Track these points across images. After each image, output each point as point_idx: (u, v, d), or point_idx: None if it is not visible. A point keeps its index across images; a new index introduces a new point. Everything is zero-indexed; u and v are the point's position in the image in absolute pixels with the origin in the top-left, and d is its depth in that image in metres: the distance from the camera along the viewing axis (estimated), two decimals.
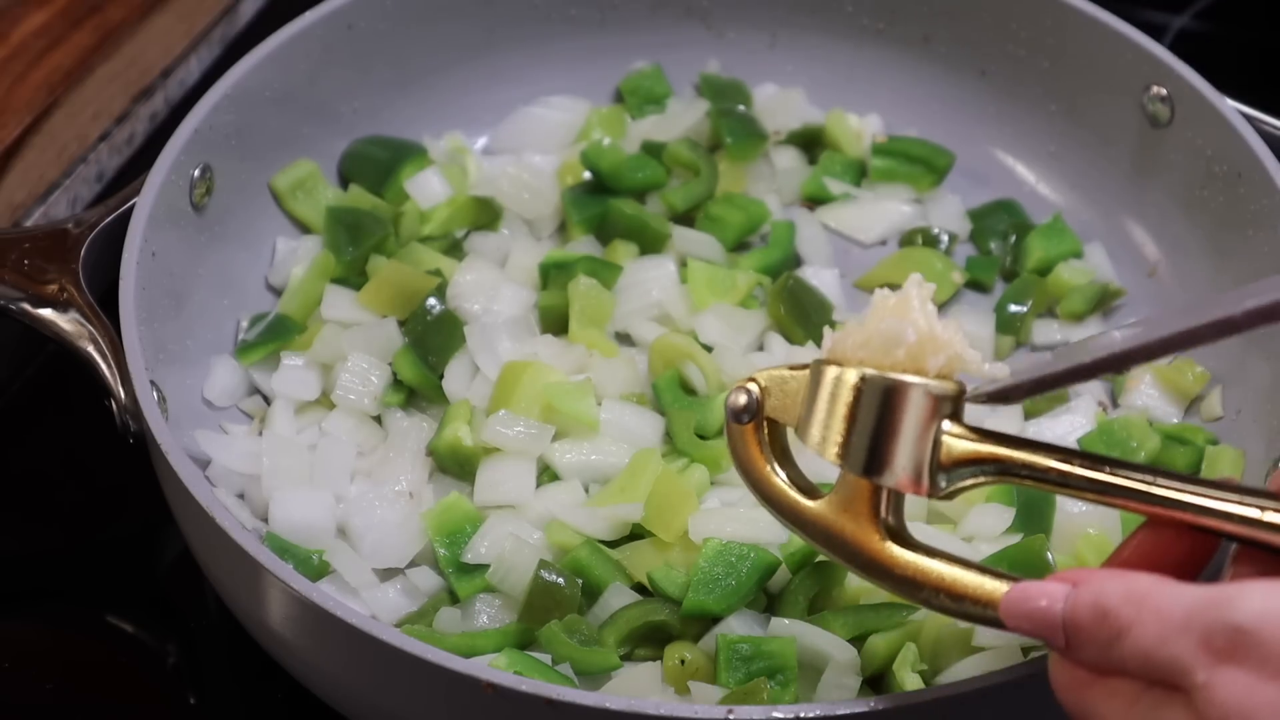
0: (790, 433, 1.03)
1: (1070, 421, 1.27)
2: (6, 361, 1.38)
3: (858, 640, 1.12)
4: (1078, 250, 1.38)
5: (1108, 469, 0.90)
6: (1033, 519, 1.18)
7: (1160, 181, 1.36)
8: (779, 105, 1.46)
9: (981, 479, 0.94)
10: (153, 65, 1.53)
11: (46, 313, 1.19)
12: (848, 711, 0.97)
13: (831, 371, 0.97)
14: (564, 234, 1.39)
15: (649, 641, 1.14)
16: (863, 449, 0.95)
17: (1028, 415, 1.28)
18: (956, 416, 0.94)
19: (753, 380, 1.01)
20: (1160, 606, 0.82)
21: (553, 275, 1.32)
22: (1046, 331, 1.35)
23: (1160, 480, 0.89)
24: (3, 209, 1.40)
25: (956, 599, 0.93)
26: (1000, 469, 0.93)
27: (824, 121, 1.45)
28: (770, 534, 1.16)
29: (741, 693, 1.08)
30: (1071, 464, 0.91)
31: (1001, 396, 0.97)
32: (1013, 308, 1.34)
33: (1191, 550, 0.90)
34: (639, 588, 1.16)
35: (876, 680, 1.12)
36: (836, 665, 1.10)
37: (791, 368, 1.01)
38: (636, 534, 1.18)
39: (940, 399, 0.94)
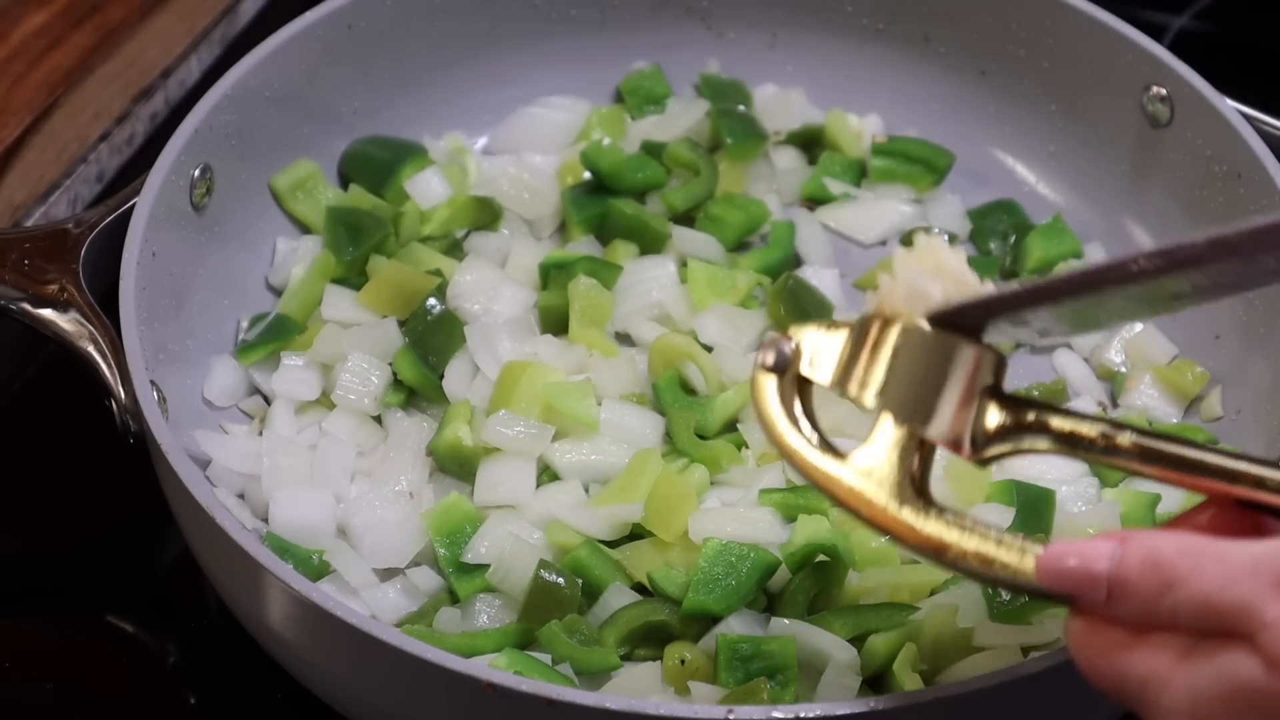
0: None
1: None
2: (6, 361, 1.38)
3: (858, 640, 1.12)
4: (1078, 250, 1.38)
5: (1154, 437, 0.89)
6: (1032, 519, 1.18)
7: (1160, 181, 1.36)
8: (779, 105, 1.46)
9: (1022, 445, 0.93)
10: (153, 65, 1.53)
11: (46, 313, 1.19)
12: (848, 711, 0.97)
13: (876, 324, 0.95)
14: (564, 234, 1.39)
15: (649, 641, 1.14)
16: (906, 394, 0.93)
17: None
18: (999, 381, 0.93)
19: (786, 336, 0.98)
20: (1223, 555, 0.81)
21: (553, 275, 1.32)
22: None
23: (1210, 453, 0.87)
24: (3, 209, 1.40)
25: (985, 561, 0.90)
26: (1042, 435, 0.92)
27: (824, 121, 1.45)
28: (770, 534, 1.17)
29: (741, 693, 1.08)
30: (1118, 432, 0.89)
31: (965, 314, 0.95)
32: None
33: (1243, 529, 0.87)
34: (639, 588, 1.16)
35: (876, 680, 1.12)
36: (836, 665, 1.10)
37: (829, 325, 0.98)
38: (636, 534, 1.18)
39: (985, 357, 0.93)
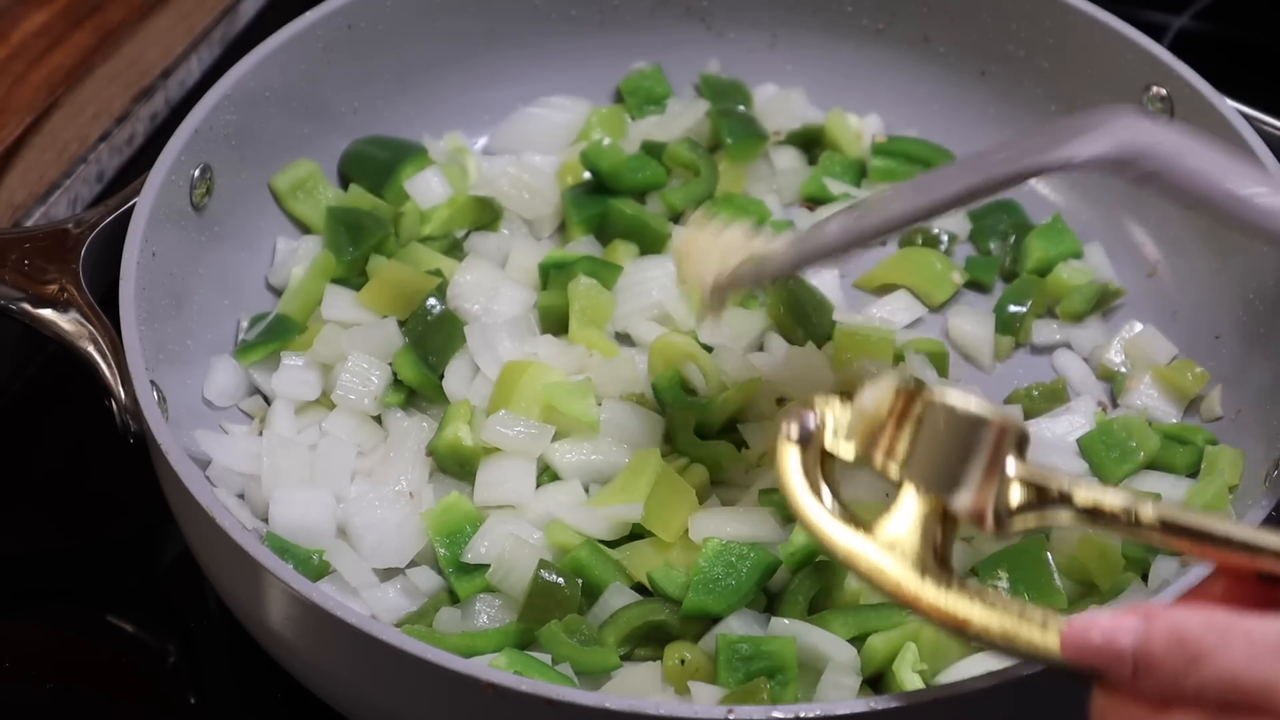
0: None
1: (1070, 421, 1.27)
2: (6, 361, 1.38)
3: (858, 640, 1.12)
4: (1078, 250, 1.38)
5: (1178, 510, 0.88)
6: None
7: None
8: (779, 105, 1.46)
9: (1045, 519, 0.92)
10: (153, 65, 1.53)
11: (47, 313, 1.19)
12: (848, 711, 0.97)
13: (900, 397, 0.95)
14: (564, 234, 1.39)
15: (649, 641, 1.14)
16: (931, 467, 0.93)
17: (1026, 415, 1.28)
18: (1023, 455, 0.93)
19: (809, 407, 0.98)
20: (1249, 632, 0.81)
21: (553, 275, 1.32)
22: (1046, 331, 1.35)
23: (1234, 526, 0.86)
24: (3, 209, 1.40)
25: (1008, 636, 0.90)
26: (1066, 508, 0.91)
27: (824, 121, 1.45)
28: (770, 534, 1.17)
29: (741, 693, 1.08)
30: (1142, 505, 0.88)
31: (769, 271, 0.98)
32: (1012, 308, 1.34)
33: (1260, 602, 0.86)
34: (639, 588, 1.16)
35: (876, 680, 1.12)
36: (836, 665, 1.10)
37: (851, 396, 0.98)
38: (636, 534, 1.18)
39: (1009, 433, 0.92)
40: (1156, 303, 1.36)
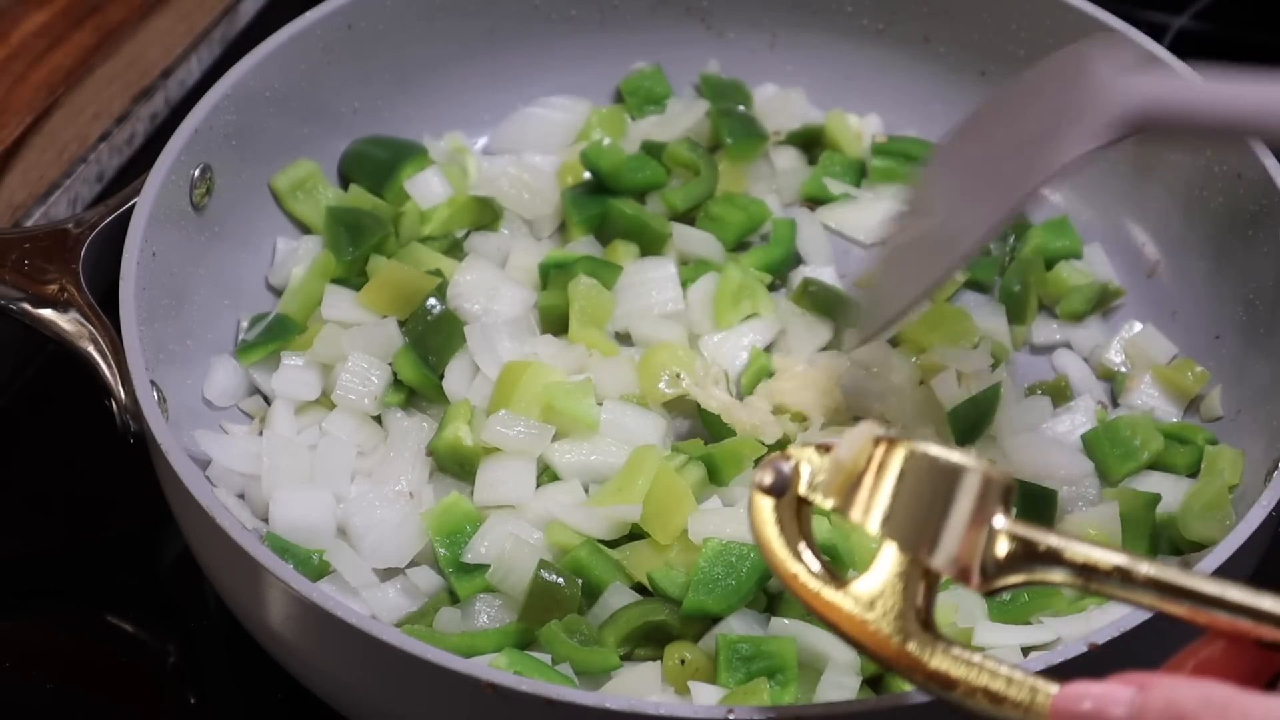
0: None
1: (1070, 420, 1.27)
2: (7, 361, 1.38)
3: None
4: (1077, 250, 1.38)
5: (1175, 571, 0.84)
6: (1033, 520, 1.18)
7: (1160, 181, 1.36)
8: (779, 105, 1.46)
9: (1034, 576, 0.88)
10: (153, 65, 1.53)
11: (47, 313, 1.19)
12: (848, 711, 0.97)
13: (880, 447, 0.91)
14: (564, 234, 1.39)
15: (649, 641, 1.14)
16: (911, 522, 0.89)
17: None
18: (1008, 507, 0.89)
19: (785, 456, 0.94)
20: (1248, 710, 0.77)
21: (553, 275, 1.32)
22: (1046, 331, 1.35)
23: (1233, 588, 0.82)
24: (3, 209, 1.40)
25: (995, 699, 0.86)
26: (1056, 565, 0.87)
27: (824, 121, 1.45)
28: None
29: (741, 693, 1.08)
30: (1136, 565, 0.85)
31: None
32: (1016, 288, 1.34)
33: (1260, 668, 0.83)
34: (639, 588, 1.16)
35: (876, 680, 1.12)
36: (836, 665, 1.10)
37: (827, 446, 0.93)
38: (636, 534, 1.18)
39: (993, 484, 0.88)
40: (1156, 303, 1.36)
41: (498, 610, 1.15)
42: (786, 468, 0.94)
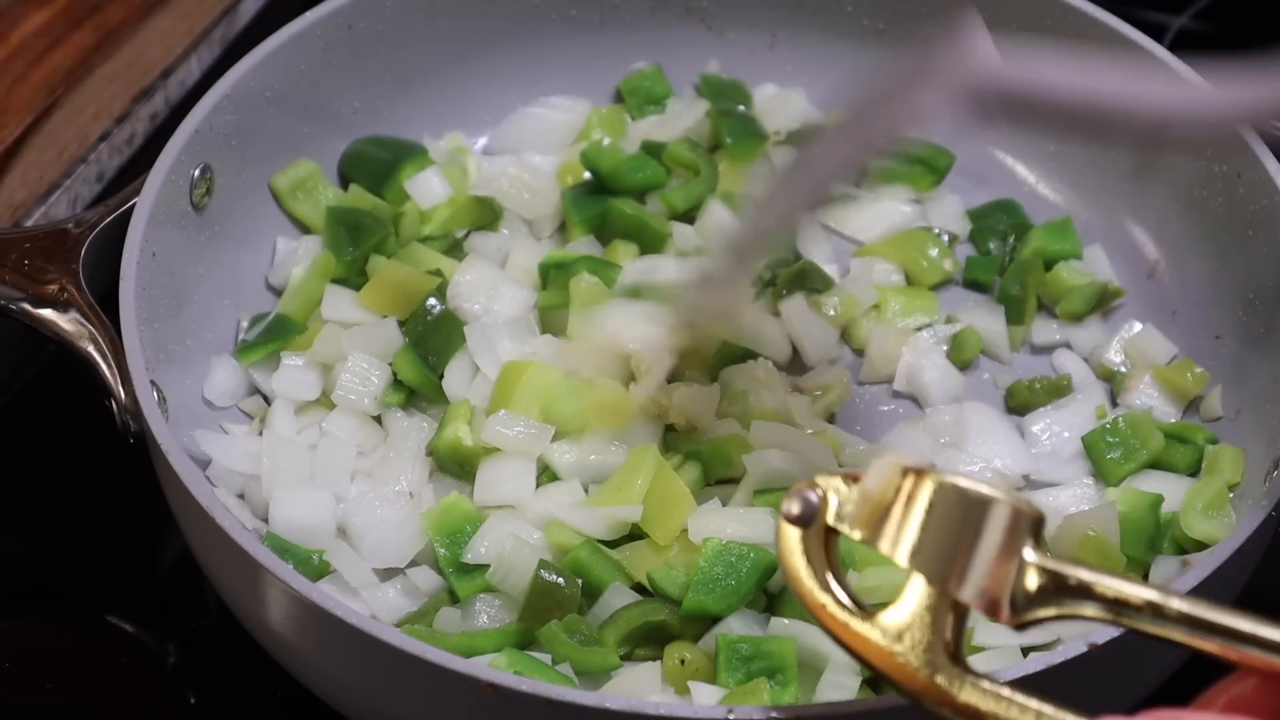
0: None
1: (1071, 420, 1.27)
2: (7, 361, 1.38)
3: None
4: (1077, 251, 1.38)
5: (1206, 606, 0.83)
6: None
7: (1160, 181, 1.36)
8: (779, 105, 1.46)
9: (1065, 610, 0.87)
10: (153, 65, 1.53)
11: (47, 313, 1.19)
12: (848, 711, 0.97)
13: (909, 478, 0.90)
14: (564, 234, 1.39)
15: (649, 641, 1.14)
16: (939, 554, 0.88)
17: (1023, 409, 1.28)
18: (1039, 540, 0.88)
19: (814, 485, 0.93)
20: None
21: (553, 275, 1.32)
22: (1046, 331, 1.35)
23: (1266, 625, 0.82)
24: (3, 209, 1.40)
25: None
26: (1087, 600, 0.86)
27: (824, 121, 1.45)
28: (769, 534, 1.16)
29: (741, 693, 1.08)
30: (1168, 600, 0.84)
31: None
32: (1015, 290, 1.34)
33: None
34: (639, 588, 1.16)
35: (876, 680, 1.12)
36: (836, 665, 1.10)
37: (855, 476, 0.92)
38: (636, 534, 1.18)
39: (1023, 517, 0.87)
40: (1156, 303, 1.36)
41: (498, 610, 1.15)
42: (814, 497, 0.93)
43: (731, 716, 0.97)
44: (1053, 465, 1.25)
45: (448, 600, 1.17)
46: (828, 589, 0.92)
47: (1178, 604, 0.84)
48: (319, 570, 1.17)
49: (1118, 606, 0.85)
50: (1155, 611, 0.84)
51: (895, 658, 0.89)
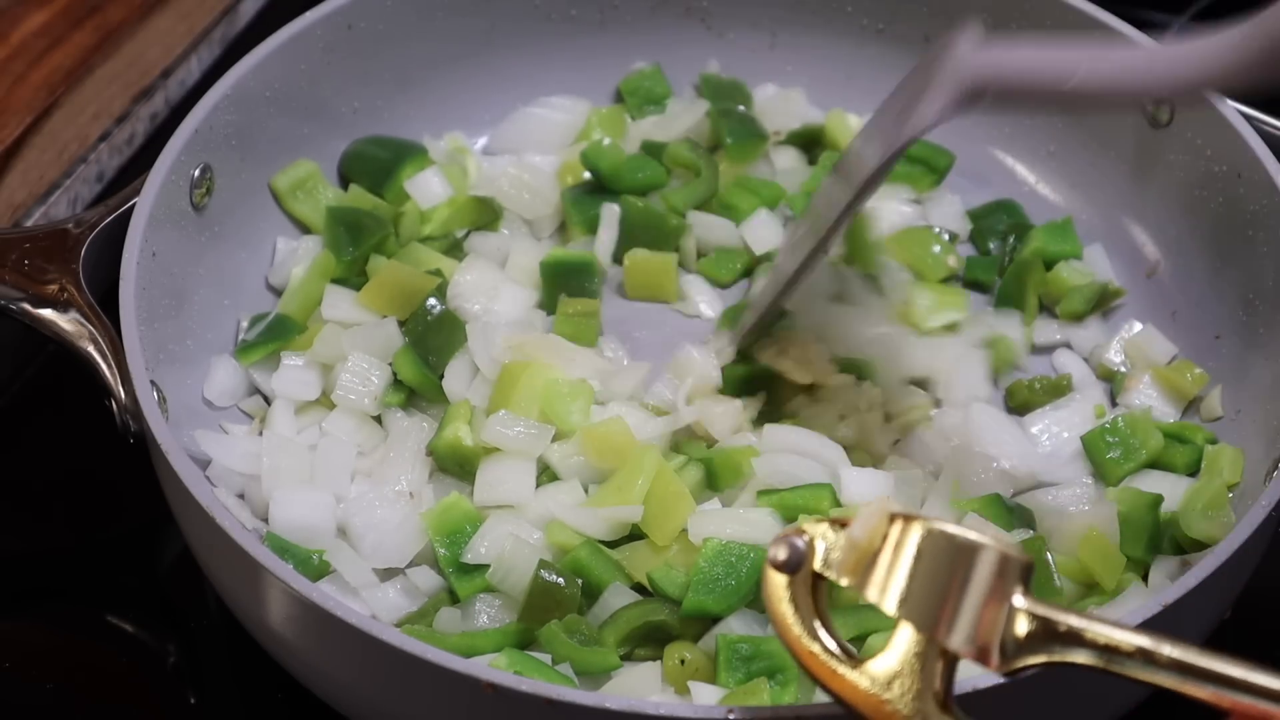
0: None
1: (1071, 419, 1.27)
2: (7, 361, 1.38)
3: (858, 640, 1.12)
4: (1077, 252, 1.38)
5: (1198, 652, 0.83)
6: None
7: (1160, 181, 1.36)
8: (779, 105, 1.46)
9: (1055, 657, 0.86)
10: (153, 65, 1.53)
11: (47, 313, 1.19)
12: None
13: (897, 524, 0.89)
14: (564, 234, 1.39)
15: (649, 641, 1.14)
16: (928, 602, 0.88)
17: (1023, 409, 1.28)
18: (1027, 588, 0.87)
19: (800, 531, 0.92)
20: None
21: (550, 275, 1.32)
22: (1046, 331, 1.35)
23: (1258, 672, 0.82)
24: (3, 209, 1.40)
25: None
26: (1078, 646, 0.86)
27: (824, 121, 1.46)
28: (769, 534, 1.16)
29: (741, 693, 1.08)
30: (1159, 646, 0.84)
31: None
32: (1014, 289, 1.35)
33: None
34: (639, 588, 1.16)
35: None
36: None
37: (843, 522, 0.91)
38: (636, 534, 1.18)
39: (1011, 563, 0.87)
40: (1156, 303, 1.36)
41: (498, 610, 1.15)
42: (801, 543, 0.92)
43: (731, 716, 0.97)
44: (1052, 465, 1.25)
45: (448, 600, 1.17)
46: (815, 636, 0.91)
47: (1169, 650, 0.83)
48: (319, 570, 1.17)
49: (1108, 653, 0.85)
50: (1146, 658, 0.84)
51: (884, 705, 0.89)
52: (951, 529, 0.88)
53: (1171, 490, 1.22)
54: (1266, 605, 1.23)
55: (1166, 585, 1.09)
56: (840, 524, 0.91)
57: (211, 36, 1.58)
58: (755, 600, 1.14)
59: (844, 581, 0.90)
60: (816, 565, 0.91)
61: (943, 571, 0.87)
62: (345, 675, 1.08)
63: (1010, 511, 1.19)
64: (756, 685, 1.08)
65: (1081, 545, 1.17)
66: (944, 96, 1.06)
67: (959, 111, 1.06)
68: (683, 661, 1.12)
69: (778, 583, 0.92)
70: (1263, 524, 1.07)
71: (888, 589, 0.89)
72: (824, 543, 0.91)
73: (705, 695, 1.09)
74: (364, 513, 1.18)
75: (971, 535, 0.87)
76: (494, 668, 1.00)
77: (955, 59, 1.07)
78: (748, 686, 1.08)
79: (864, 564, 0.90)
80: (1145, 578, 1.18)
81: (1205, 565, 1.04)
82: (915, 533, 0.89)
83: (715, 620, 1.13)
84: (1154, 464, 1.24)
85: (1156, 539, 1.19)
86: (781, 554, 0.91)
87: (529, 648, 1.12)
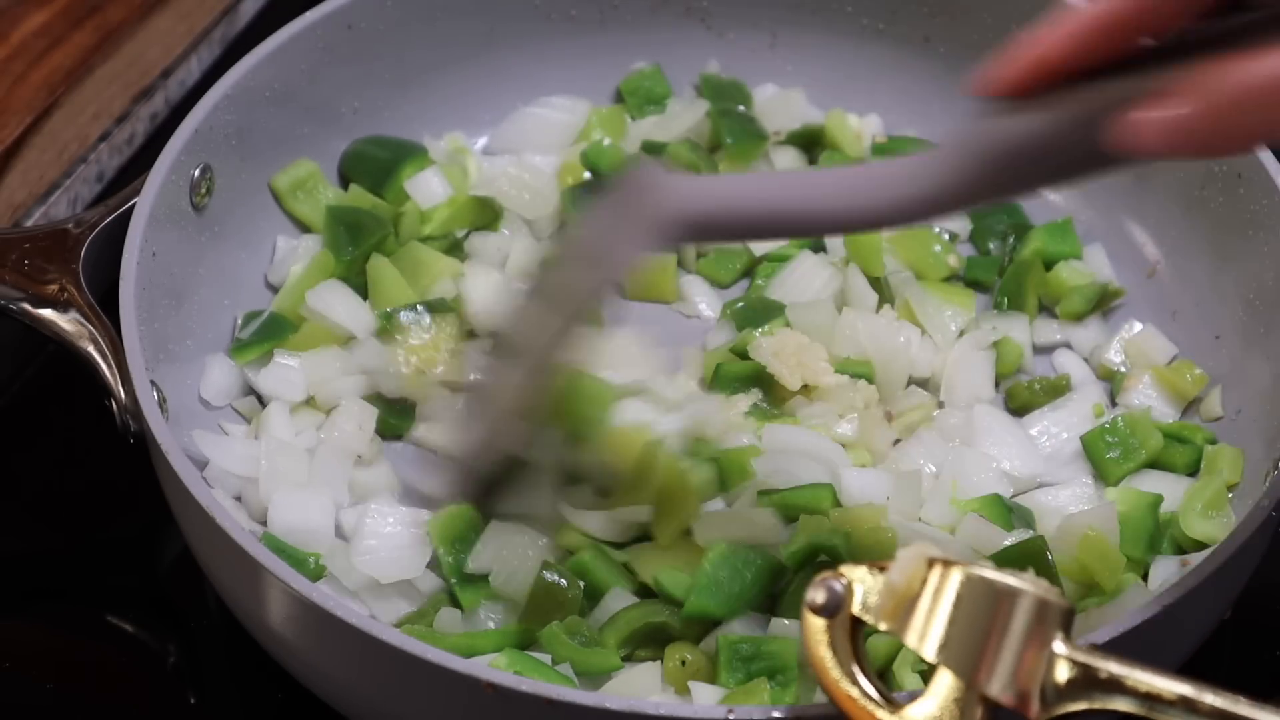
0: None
1: (1070, 419, 1.27)
2: (7, 361, 1.38)
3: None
4: (1077, 252, 1.38)
5: (1240, 700, 0.83)
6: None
7: (1160, 181, 1.36)
8: (779, 105, 1.46)
9: (1095, 704, 0.85)
10: (153, 65, 1.53)
11: (46, 313, 1.19)
12: None
13: (936, 569, 0.89)
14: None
15: (650, 642, 1.14)
16: (967, 648, 0.88)
17: (1023, 410, 1.28)
18: (1068, 633, 0.87)
19: (839, 574, 0.91)
20: None
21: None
22: (1046, 331, 1.35)
23: None
24: (3, 209, 1.40)
25: None
26: (1118, 694, 0.85)
27: (824, 121, 1.45)
28: (771, 534, 1.16)
29: (742, 693, 1.08)
30: (1201, 694, 0.83)
31: None
32: (1015, 287, 1.35)
33: None
34: (640, 590, 1.16)
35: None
36: None
37: (881, 566, 0.91)
38: (644, 535, 1.18)
39: (1051, 608, 0.87)
40: (1156, 303, 1.36)
41: (499, 611, 1.15)
42: (839, 586, 0.91)
43: (731, 716, 0.97)
44: (1052, 465, 1.25)
45: (447, 600, 1.16)
46: (854, 681, 0.91)
47: (1211, 699, 0.83)
48: (315, 574, 1.16)
49: (1150, 700, 0.85)
50: (1188, 706, 0.84)
51: None
52: (991, 574, 0.88)
53: (1171, 490, 1.22)
54: (1266, 605, 1.23)
55: (1166, 585, 1.09)
56: (879, 568, 0.91)
57: (211, 36, 1.58)
58: (757, 603, 1.14)
59: (883, 626, 0.90)
60: (855, 609, 0.91)
61: (982, 617, 0.87)
62: (345, 675, 1.07)
63: (1010, 511, 1.19)
64: (757, 685, 1.08)
65: (1081, 545, 1.17)
66: (640, 239, 1.00)
67: (658, 251, 1.02)
68: (683, 662, 1.12)
69: (816, 626, 0.92)
70: (1263, 524, 1.07)
71: (927, 635, 0.89)
72: (862, 587, 0.91)
73: (705, 695, 1.09)
74: (372, 533, 1.17)
75: (1011, 580, 0.87)
76: (494, 668, 1.00)
77: (651, 195, 0.99)
78: (748, 687, 1.08)
79: (902, 609, 0.90)
80: (1145, 578, 1.18)
81: (1205, 565, 1.04)
82: (954, 578, 0.88)
83: (717, 622, 1.13)
84: (1154, 464, 1.24)
85: (1156, 539, 1.19)
86: (820, 597, 0.91)
87: (529, 648, 1.12)
